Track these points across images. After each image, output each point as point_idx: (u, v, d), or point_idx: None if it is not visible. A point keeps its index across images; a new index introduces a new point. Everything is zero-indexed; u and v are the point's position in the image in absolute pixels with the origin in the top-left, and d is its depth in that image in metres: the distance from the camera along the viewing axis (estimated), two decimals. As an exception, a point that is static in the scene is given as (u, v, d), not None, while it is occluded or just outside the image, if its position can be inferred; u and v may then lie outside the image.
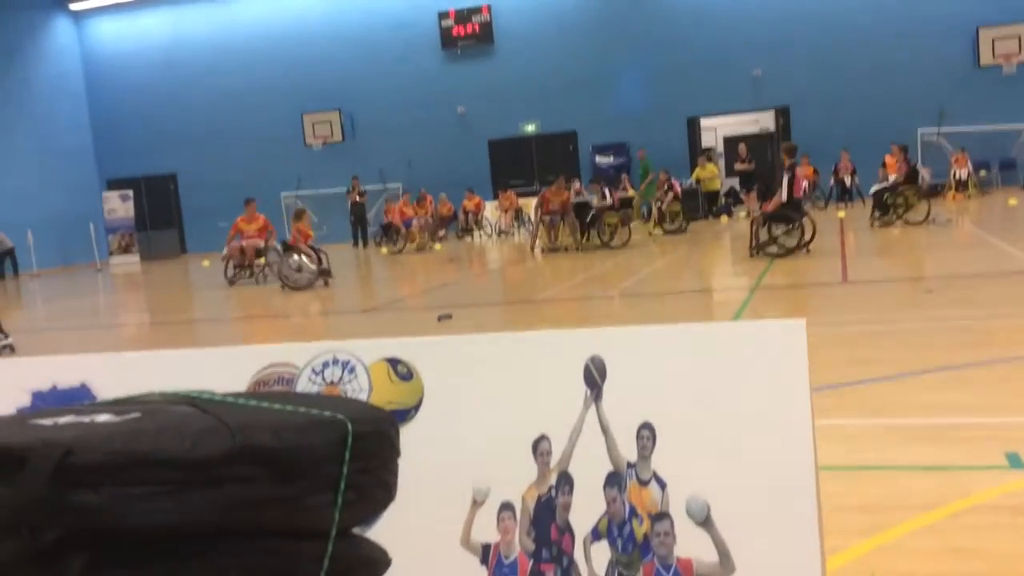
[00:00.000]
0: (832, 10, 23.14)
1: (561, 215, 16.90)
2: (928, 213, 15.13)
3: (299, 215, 15.38)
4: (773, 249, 12.14)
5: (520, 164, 24.56)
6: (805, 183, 15.96)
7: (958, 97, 22.31)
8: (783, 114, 24.17)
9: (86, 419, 1.31)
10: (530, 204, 20.48)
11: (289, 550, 1.28)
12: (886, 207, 15.45)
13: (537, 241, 17.15)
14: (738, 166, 20.62)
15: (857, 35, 22.90)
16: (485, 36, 25.85)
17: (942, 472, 3.55)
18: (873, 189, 17.11)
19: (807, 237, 12.20)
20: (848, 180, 21.91)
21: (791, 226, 12.08)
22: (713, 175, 22.10)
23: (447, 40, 26.14)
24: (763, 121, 25.39)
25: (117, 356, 2.56)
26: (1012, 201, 18.17)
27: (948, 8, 22.32)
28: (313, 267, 14.04)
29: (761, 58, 23.63)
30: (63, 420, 1.31)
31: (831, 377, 5.00)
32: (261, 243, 15.62)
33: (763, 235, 12.34)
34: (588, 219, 16.71)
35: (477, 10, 25.83)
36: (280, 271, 14.27)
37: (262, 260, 15.60)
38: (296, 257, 14.16)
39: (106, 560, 1.20)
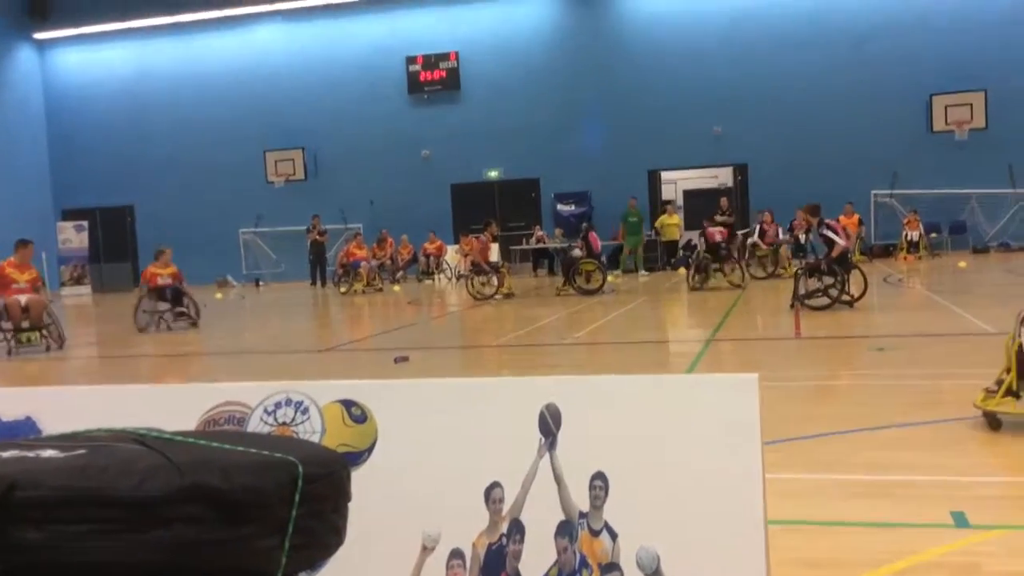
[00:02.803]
0: (792, 72, 23.73)
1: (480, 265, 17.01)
2: (742, 277, 16.53)
3: (157, 255, 13.93)
4: (815, 302, 11.98)
5: (482, 209, 24.63)
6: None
7: (911, 161, 22.93)
8: (741, 171, 24.63)
9: (31, 454, 1.28)
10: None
11: (234, 593, 1.26)
12: (702, 271, 16.56)
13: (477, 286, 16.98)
14: (719, 219, 20.92)
15: (815, 98, 23.49)
16: (452, 82, 26.08)
17: (889, 529, 3.58)
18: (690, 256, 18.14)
19: (855, 292, 12.15)
20: (803, 237, 22.29)
21: (836, 279, 12.06)
22: (677, 224, 22.41)
23: (414, 85, 26.33)
24: (722, 176, 25.82)
25: (64, 390, 2.51)
26: (962, 264, 18.61)
27: (903, 75, 23.00)
28: (164, 311, 13.44)
29: (722, 116, 24.11)
30: (7, 454, 1.28)
31: (782, 431, 5.04)
32: (31, 298, 11.73)
33: (811, 285, 12.21)
34: (566, 267, 17.02)
35: (445, 56, 26.08)
36: (134, 315, 13.56)
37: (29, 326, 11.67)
38: (151, 301, 13.62)
39: (44, 600, 1.17)
